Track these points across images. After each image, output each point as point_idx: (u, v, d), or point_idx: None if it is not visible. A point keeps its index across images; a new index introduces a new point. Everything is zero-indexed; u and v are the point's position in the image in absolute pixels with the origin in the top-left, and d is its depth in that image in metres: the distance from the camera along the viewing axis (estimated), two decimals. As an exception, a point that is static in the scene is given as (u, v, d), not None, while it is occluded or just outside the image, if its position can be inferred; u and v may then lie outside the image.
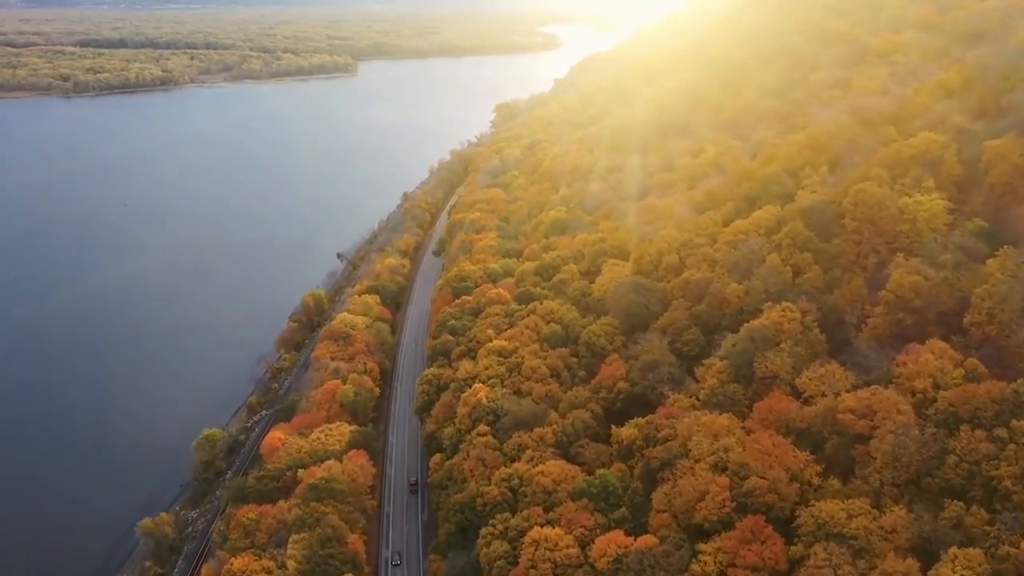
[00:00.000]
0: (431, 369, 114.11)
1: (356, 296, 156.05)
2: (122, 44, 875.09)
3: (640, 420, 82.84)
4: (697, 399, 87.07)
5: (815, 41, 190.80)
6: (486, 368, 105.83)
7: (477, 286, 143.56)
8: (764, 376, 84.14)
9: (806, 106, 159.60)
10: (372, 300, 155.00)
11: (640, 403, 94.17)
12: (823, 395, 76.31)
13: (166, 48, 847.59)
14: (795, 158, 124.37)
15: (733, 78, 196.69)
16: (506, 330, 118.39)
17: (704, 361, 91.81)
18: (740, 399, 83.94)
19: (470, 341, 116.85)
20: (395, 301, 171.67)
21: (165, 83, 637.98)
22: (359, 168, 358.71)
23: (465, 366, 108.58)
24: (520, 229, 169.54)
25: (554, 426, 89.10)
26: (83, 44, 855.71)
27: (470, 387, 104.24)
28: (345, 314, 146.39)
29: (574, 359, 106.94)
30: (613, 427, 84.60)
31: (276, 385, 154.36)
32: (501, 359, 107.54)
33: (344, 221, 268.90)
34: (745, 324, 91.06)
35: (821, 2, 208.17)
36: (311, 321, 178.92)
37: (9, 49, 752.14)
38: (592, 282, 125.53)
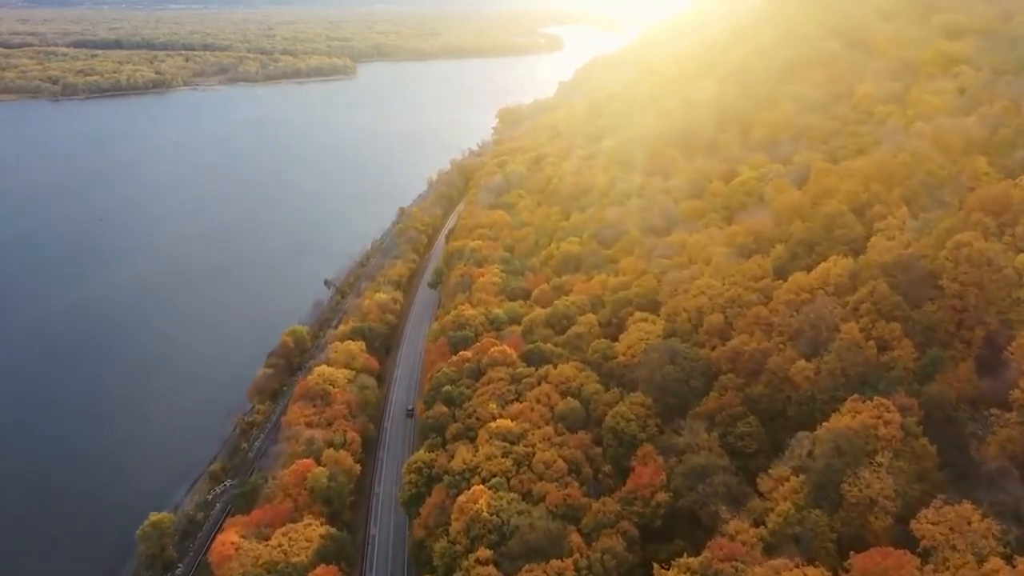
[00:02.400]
0: (421, 454, 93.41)
1: (338, 343, 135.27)
2: (117, 45, 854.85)
3: (692, 562, 62.06)
4: (765, 526, 66.22)
5: (857, 48, 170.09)
6: (488, 459, 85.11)
7: (478, 336, 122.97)
8: (857, 502, 63.38)
9: (856, 124, 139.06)
10: (356, 348, 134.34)
11: (687, 519, 73.61)
12: (956, 550, 55.05)
13: (162, 49, 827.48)
14: (859, 192, 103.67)
15: (764, 89, 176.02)
16: (512, 401, 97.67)
17: (771, 470, 70.92)
18: (825, 535, 62.98)
19: (469, 416, 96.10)
20: (385, 344, 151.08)
21: (158, 85, 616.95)
22: (353, 178, 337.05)
23: (462, 453, 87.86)
24: (527, 263, 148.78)
25: (576, 558, 68.27)
26: (78, 45, 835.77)
27: (467, 483, 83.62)
28: (324, 367, 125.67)
29: (597, 449, 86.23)
30: (656, 568, 63.77)
31: (245, 445, 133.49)
32: (506, 446, 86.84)
33: (335, 238, 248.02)
34: (824, 424, 70.27)
35: (860, 4, 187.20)
36: (290, 364, 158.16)
37: (1, 50, 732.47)
38: (615, 339, 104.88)
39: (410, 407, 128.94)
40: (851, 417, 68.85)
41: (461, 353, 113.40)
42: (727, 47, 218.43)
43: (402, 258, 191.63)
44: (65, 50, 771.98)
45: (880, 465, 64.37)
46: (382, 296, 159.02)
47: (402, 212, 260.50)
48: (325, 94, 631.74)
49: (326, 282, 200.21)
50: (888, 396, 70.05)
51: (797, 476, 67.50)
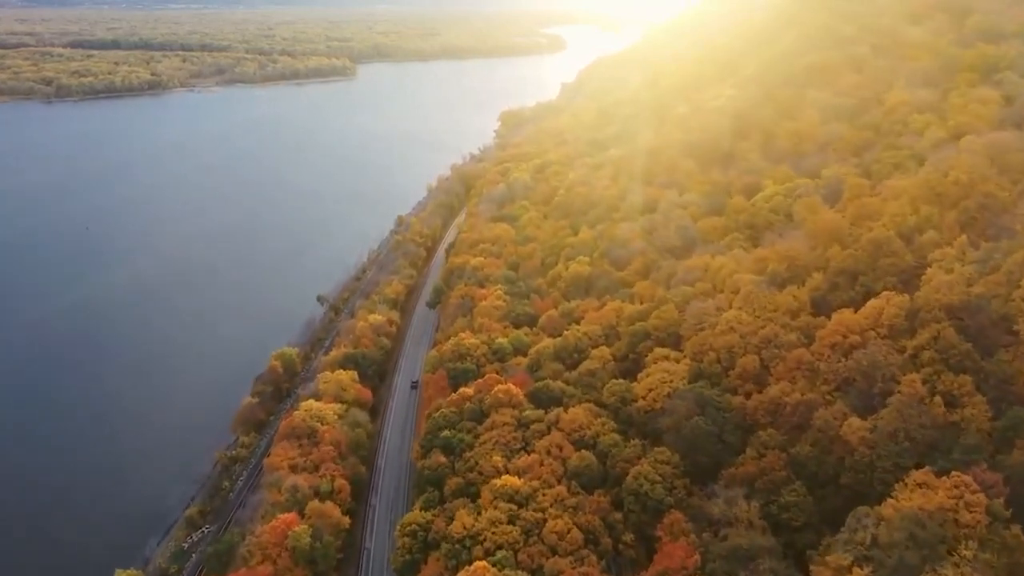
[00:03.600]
0: (416, 513, 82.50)
1: (328, 373, 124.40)
2: (115, 45, 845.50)
3: None
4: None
5: (887, 52, 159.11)
6: (492, 525, 74.32)
7: (479, 367, 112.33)
8: (938, 606, 52.64)
9: (891, 136, 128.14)
10: (348, 378, 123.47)
11: (725, 610, 62.88)
12: None
13: (160, 49, 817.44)
14: (906, 215, 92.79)
15: (784, 95, 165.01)
16: (519, 451, 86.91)
17: (827, 556, 60.00)
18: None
19: (470, 470, 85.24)
20: (379, 370, 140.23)
21: (153, 87, 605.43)
22: (350, 183, 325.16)
23: (463, 516, 77.00)
24: (532, 284, 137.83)
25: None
26: (75, 45, 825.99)
27: (468, 552, 72.92)
28: (311, 402, 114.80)
29: (617, 514, 75.43)
30: None
31: (227, 484, 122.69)
32: (513, 508, 76.06)
33: (329, 247, 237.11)
34: (890, 501, 59.50)
35: (888, 5, 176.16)
36: (279, 390, 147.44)
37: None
38: (633, 377, 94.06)
39: (415, 379, 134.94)
40: (923, 496, 58.04)
41: (462, 390, 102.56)
42: (742, 50, 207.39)
43: (399, 274, 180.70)
44: (61, 50, 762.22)
45: (964, 559, 53.57)
46: (377, 318, 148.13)
47: (400, 221, 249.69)
48: (323, 95, 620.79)
49: (319, 298, 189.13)
50: (965, 469, 59.29)
51: (861, 568, 56.57)
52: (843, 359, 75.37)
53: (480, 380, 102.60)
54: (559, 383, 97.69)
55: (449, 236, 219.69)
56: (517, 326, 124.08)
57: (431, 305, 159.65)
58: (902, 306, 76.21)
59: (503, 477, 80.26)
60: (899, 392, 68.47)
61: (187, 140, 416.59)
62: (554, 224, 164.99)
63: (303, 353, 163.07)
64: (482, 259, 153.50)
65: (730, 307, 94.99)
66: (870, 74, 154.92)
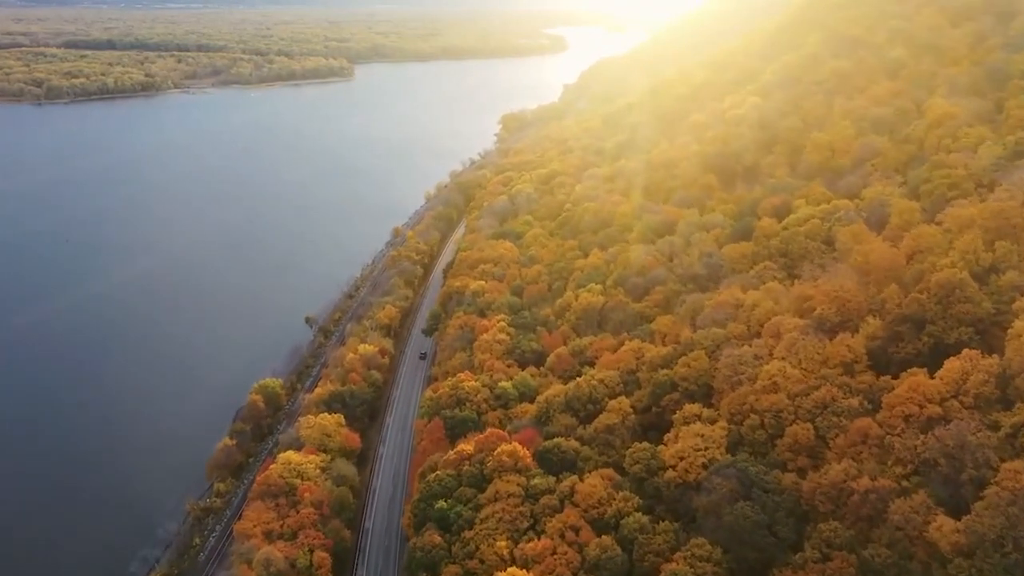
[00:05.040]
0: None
1: (311, 417, 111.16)
2: (110, 45, 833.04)
3: None
4: None
5: (927, 56, 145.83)
6: (496, 635, 61.33)
7: (481, 414, 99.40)
8: None
9: (938, 152, 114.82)
10: (333, 422, 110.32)
11: None
12: None
13: (156, 50, 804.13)
14: (979, 250, 79.60)
15: (813, 104, 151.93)
16: (527, 530, 73.85)
17: None
18: None
19: (470, 556, 72.11)
20: (370, 408, 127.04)
21: (147, 88, 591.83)
22: (343, 192, 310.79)
23: (461, 620, 64.02)
24: (539, 314, 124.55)
25: None
26: (70, 45, 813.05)
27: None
28: (291, 453, 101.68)
29: (648, 624, 62.40)
30: None
31: (197, 541, 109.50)
32: (521, 613, 63.05)
33: (319, 262, 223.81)
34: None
35: (924, 4, 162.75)
36: (259, 427, 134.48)
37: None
38: (659, 439, 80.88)
39: (423, 352, 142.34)
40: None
41: (460, 447, 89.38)
42: (760, 54, 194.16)
43: (393, 295, 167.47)
44: (54, 51, 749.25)
45: None
46: (368, 348, 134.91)
47: (396, 233, 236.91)
48: (320, 97, 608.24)
49: (307, 319, 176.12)
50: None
51: None
52: (920, 435, 62.19)
53: (481, 435, 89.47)
54: (572, 443, 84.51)
55: (447, 251, 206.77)
56: (522, 364, 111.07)
57: (427, 333, 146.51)
58: (991, 371, 63.11)
59: (509, 570, 67.06)
60: (996, 483, 55.42)
61: (172, 145, 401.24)
62: (561, 243, 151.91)
63: (289, 383, 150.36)
64: (483, 283, 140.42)
65: (771, 355, 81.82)
66: (908, 80, 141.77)
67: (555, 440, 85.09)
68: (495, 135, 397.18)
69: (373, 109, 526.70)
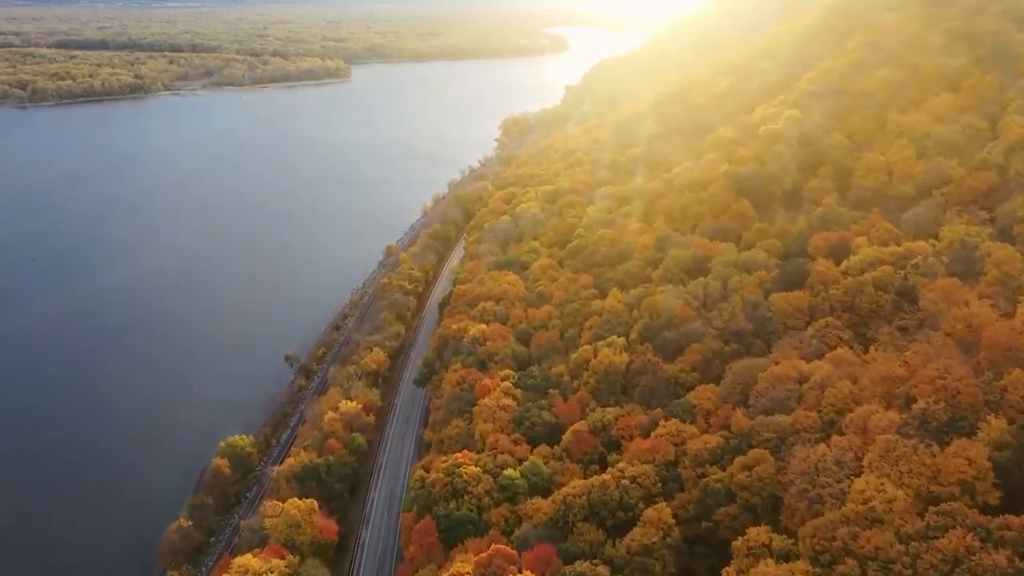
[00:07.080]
0: None
1: (278, 503, 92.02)
2: (103, 45, 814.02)
3: None
4: None
5: (995, 63, 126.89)
6: None
7: (482, 509, 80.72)
8: None
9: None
10: (305, 509, 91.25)
11: None
12: None
13: (148, 50, 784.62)
14: None
15: (859, 119, 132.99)
16: None
17: None
18: None
19: None
20: (351, 480, 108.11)
21: (136, 90, 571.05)
22: (334, 204, 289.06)
23: None
24: (550, 371, 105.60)
25: None
26: (62, 45, 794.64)
27: None
28: (248, 558, 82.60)
29: None
30: None
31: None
32: None
33: (303, 287, 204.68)
34: None
35: (986, 3, 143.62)
36: (225, 494, 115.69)
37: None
38: (713, 569, 62.08)
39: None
40: None
41: (457, 566, 70.51)
42: (792, 59, 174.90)
43: (383, 332, 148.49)
44: (44, 51, 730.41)
45: None
46: (350, 406, 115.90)
47: (389, 252, 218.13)
48: (314, 99, 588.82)
49: (287, 358, 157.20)
50: None
51: None
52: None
53: (483, 552, 70.51)
54: (601, 570, 65.61)
55: (444, 276, 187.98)
56: (532, 440, 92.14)
57: (419, 383, 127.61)
58: None
59: None
60: None
61: (153, 151, 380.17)
62: (573, 278, 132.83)
63: (263, 436, 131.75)
64: (484, 327, 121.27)
65: (858, 461, 63.03)
66: (974, 93, 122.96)
67: (578, 567, 66.14)
68: (496, 140, 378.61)
69: (368, 112, 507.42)
